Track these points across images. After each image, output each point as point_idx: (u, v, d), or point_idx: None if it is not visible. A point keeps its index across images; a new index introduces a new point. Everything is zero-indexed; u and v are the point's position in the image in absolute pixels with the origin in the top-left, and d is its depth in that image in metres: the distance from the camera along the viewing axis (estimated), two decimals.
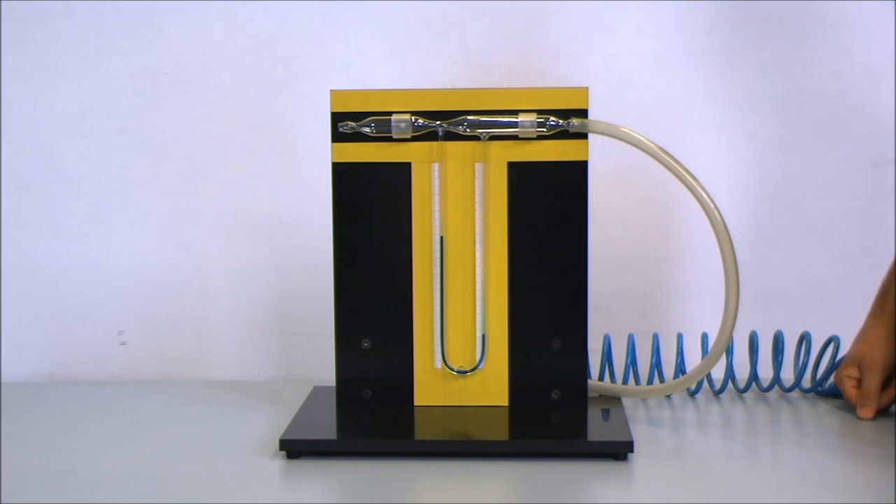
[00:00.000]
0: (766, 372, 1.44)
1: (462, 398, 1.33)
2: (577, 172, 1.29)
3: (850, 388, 1.37)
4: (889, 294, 1.37)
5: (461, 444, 1.24)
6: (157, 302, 1.63)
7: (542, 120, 1.28)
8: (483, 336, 1.32)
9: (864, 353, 1.35)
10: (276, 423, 1.32)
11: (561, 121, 1.28)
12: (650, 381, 1.42)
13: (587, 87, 1.29)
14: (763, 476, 1.18)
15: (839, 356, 1.42)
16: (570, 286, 1.31)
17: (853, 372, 1.36)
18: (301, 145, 1.59)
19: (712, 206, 1.25)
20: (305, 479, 1.18)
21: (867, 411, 1.33)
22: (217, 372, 1.62)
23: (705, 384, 1.44)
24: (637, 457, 1.21)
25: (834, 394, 1.42)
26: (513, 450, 1.22)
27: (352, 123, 1.30)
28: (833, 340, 1.42)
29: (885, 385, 1.35)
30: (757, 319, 1.43)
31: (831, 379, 1.42)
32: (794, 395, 1.45)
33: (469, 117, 1.29)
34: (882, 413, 1.35)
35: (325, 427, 1.28)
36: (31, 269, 1.62)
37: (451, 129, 1.29)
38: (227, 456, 1.24)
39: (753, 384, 1.44)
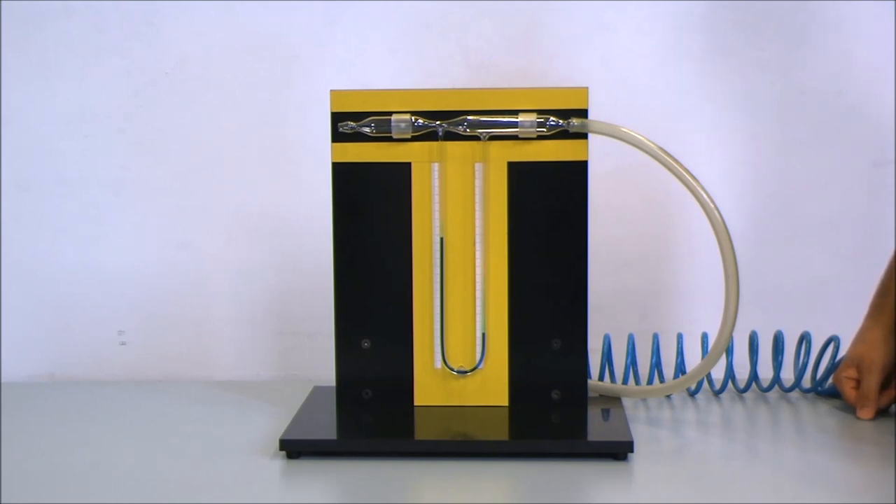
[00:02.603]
0: (766, 372, 1.44)
1: (462, 398, 1.33)
2: (577, 172, 1.29)
3: (849, 390, 1.36)
4: (887, 294, 1.36)
5: (461, 444, 1.24)
6: (157, 302, 1.63)
7: (542, 120, 1.28)
8: (483, 336, 1.32)
9: (863, 354, 1.35)
10: (276, 423, 1.32)
11: (561, 121, 1.28)
12: (650, 381, 1.42)
13: (587, 87, 1.29)
14: (763, 476, 1.18)
15: (839, 356, 1.42)
16: (570, 286, 1.31)
17: (852, 373, 1.36)
18: (301, 145, 1.59)
19: (712, 206, 1.25)
20: (305, 479, 1.18)
21: (867, 412, 1.33)
22: (217, 372, 1.62)
23: (705, 384, 1.44)
24: (637, 457, 1.21)
25: (834, 394, 1.42)
26: (513, 450, 1.22)
27: (352, 123, 1.30)
28: (833, 340, 1.42)
29: (884, 385, 1.35)
30: (757, 319, 1.43)
31: (831, 380, 1.42)
32: (794, 395, 1.45)
33: (469, 117, 1.29)
34: (882, 413, 1.35)
35: (325, 427, 1.28)
36: (31, 269, 1.62)
37: (451, 129, 1.29)
38: (227, 456, 1.24)
39: (753, 384, 1.44)
